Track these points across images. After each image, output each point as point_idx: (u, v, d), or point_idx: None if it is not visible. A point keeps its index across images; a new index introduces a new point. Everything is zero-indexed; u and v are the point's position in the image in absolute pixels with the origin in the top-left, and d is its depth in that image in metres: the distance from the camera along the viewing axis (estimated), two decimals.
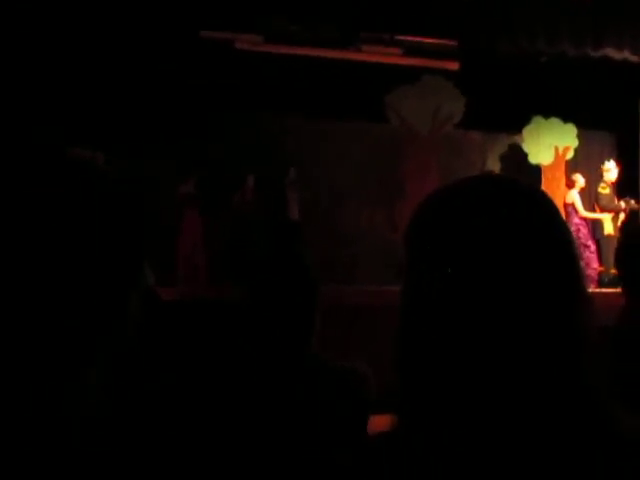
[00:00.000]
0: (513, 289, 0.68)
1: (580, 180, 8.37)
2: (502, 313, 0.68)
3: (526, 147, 9.12)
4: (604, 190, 8.28)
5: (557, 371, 0.69)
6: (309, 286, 1.71)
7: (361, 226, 9.09)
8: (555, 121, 9.05)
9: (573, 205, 8.18)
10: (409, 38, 8.16)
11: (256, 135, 8.45)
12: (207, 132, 8.18)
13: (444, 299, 0.70)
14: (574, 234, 7.91)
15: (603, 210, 8.23)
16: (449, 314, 0.70)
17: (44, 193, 0.73)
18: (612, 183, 8.39)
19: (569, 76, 8.61)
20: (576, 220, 8.09)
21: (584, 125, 9.11)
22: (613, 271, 7.15)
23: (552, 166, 9.07)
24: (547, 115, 9.01)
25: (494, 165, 9.44)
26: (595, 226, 8.42)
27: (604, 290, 7.17)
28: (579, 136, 9.07)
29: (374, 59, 8.43)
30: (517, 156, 9.28)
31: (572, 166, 9.10)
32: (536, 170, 9.09)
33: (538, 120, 9.04)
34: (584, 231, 8.08)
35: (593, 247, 8.04)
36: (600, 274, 8.01)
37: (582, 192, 8.40)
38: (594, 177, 8.66)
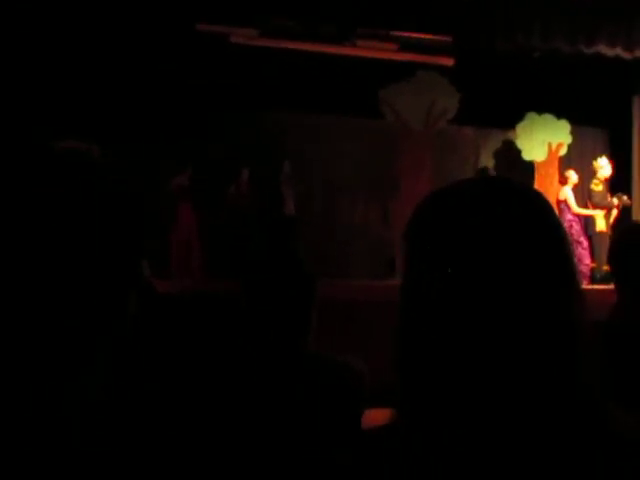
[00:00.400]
0: (508, 286, 0.70)
1: (573, 176, 8.40)
2: (498, 310, 0.70)
3: (519, 143, 9.12)
4: (597, 187, 8.31)
5: (551, 367, 0.70)
6: (305, 281, 1.71)
7: (355, 221, 9.10)
8: (548, 117, 9.05)
9: (566, 202, 8.21)
10: (404, 34, 8.16)
11: (250, 129, 8.43)
12: (201, 125, 8.16)
13: (442, 297, 0.71)
14: (567, 230, 7.94)
15: (596, 207, 8.26)
16: (447, 312, 0.71)
17: (44, 194, 0.73)
18: (605, 180, 8.43)
19: (562, 73, 8.62)
20: (569, 216, 8.12)
21: (577, 121, 9.12)
22: (605, 267, 7.19)
23: (545, 162, 9.08)
24: (540, 111, 9.02)
25: (487, 161, 9.45)
26: (587, 222, 8.46)
27: (596, 287, 7.21)
28: (572, 132, 9.09)
29: (369, 54, 8.42)
30: (510, 152, 9.29)
31: (565, 162, 9.13)
32: (529, 166, 9.11)
33: (531, 116, 9.05)
34: (577, 227, 8.11)
35: (585, 243, 8.08)
36: (592, 270, 8.05)
37: (575, 188, 8.43)
38: (587, 173, 8.69)
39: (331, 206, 8.93)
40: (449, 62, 8.70)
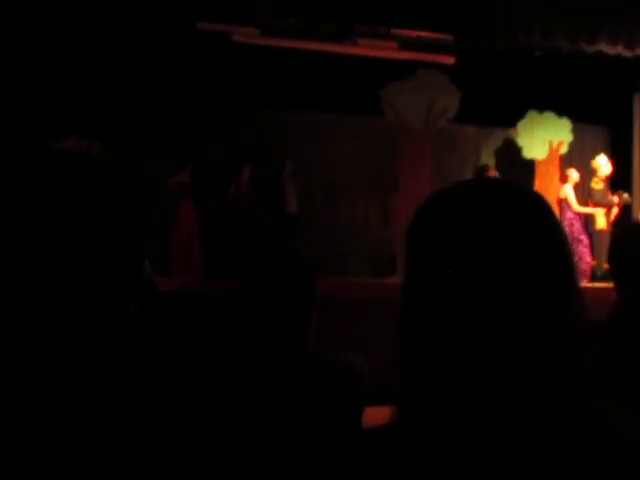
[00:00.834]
0: (508, 286, 0.70)
1: (574, 175, 8.40)
2: (498, 310, 0.70)
3: (520, 141, 9.12)
4: (597, 185, 8.31)
5: (550, 367, 0.71)
6: (305, 280, 1.72)
7: (355, 220, 9.10)
8: (549, 115, 9.05)
9: (567, 200, 8.22)
10: (405, 32, 8.15)
11: (251, 127, 8.43)
12: (202, 124, 8.17)
13: (443, 297, 0.72)
14: (567, 228, 7.95)
15: (596, 205, 8.26)
16: (448, 311, 0.71)
17: (45, 194, 0.73)
18: (605, 178, 8.43)
19: (563, 71, 8.62)
20: (569, 215, 8.12)
21: (578, 119, 9.12)
22: (606, 265, 7.19)
23: (546, 161, 9.08)
24: (541, 109, 9.02)
25: (488, 159, 9.45)
26: (588, 220, 8.46)
27: (597, 284, 7.21)
28: (573, 131, 9.09)
29: (370, 53, 8.41)
30: (511, 150, 9.29)
31: (566, 161, 9.13)
32: (530, 164, 9.12)
33: (532, 114, 9.04)
34: (577, 225, 8.11)
35: (586, 241, 8.08)
36: (593, 268, 8.06)
37: (575, 187, 8.43)
38: (587, 172, 8.69)
39: (331, 205, 8.93)
40: (450, 60, 8.69)
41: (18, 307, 0.72)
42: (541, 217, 0.75)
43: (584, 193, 8.58)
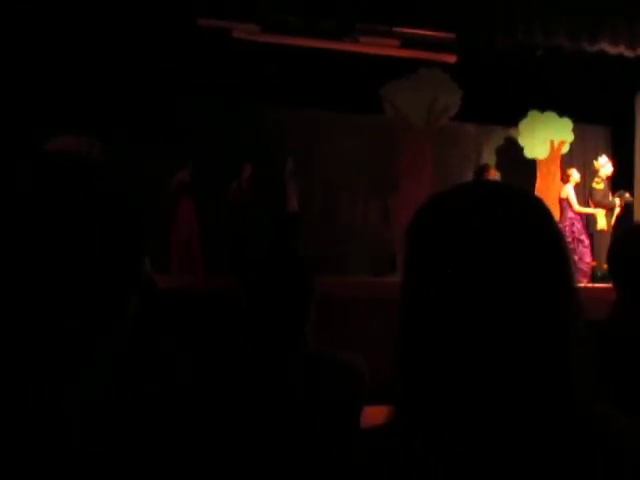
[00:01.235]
0: (507, 287, 0.71)
1: (575, 175, 8.39)
2: (496, 310, 0.71)
3: (521, 141, 9.12)
4: (598, 185, 8.31)
5: (547, 367, 0.71)
6: (304, 278, 1.72)
7: (355, 218, 9.10)
8: (551, 115, 9.05)
9: (568, 199, 8.21)
10: (406, 30, 8.14)
11: (251, 125, 8.43)
12: (203, 121, 8.16)
13: (442, 297, 0.72)
14: (568, 228, 7.95)
15: (597, 205, 8.26)
16: (447, 312, 0.72)
17: (43, 194, 0.73)
18: (606, 178, 8.42)
19: (565, 70, 8.61)
20: (570, 215, 8.12)
21: (579, 119, 9.12)
22: (605, 266, 7.17)
23: (547, 160, 9.08)
24: (543, 109, 9.02)
25: (489, 158, 9.44)
26: (589, 220, 8.46)
27: (597, 285, 7.21)
28: (574, 130, 9.09)
29: (371, 50, 8.41)
30: (512, 150, 9.29)
31: (567, 160, 9.12)
32: (531, 164, 9.11)
33: (534, 114, 9.04)
34: (578, 225, 8.11)
35: (587, 241, 8.08)
36: (593, 269, 8.06)
37: (577, 187, 8.42)
38: (589, 172, 8.69)
39: (331, 203, 8.93)
40: (451, 59, 8.69)
41: (17, 308, 0.72)
42: (539, 219, 0.76)
43: (585, 193, 8.57)
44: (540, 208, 0.77)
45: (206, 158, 7.97)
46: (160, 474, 0.82)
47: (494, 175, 8.39)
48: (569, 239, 7.86)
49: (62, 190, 0.74)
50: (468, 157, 9.46)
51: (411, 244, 0.78)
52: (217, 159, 8.12)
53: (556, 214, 8.21)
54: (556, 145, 9.10)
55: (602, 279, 7.38)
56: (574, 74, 8.66)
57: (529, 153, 9.12)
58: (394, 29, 8.17)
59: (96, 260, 0.74)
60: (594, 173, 8.45)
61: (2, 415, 0.69)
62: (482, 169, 8.14)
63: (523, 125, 9.07)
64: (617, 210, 8.25)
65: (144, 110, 7.82)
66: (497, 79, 8.52)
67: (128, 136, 7.54)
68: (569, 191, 8.24)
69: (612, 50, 7.98)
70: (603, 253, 7.50)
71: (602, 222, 8.17)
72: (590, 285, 7.49)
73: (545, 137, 9.05)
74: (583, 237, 8.06)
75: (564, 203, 8.24)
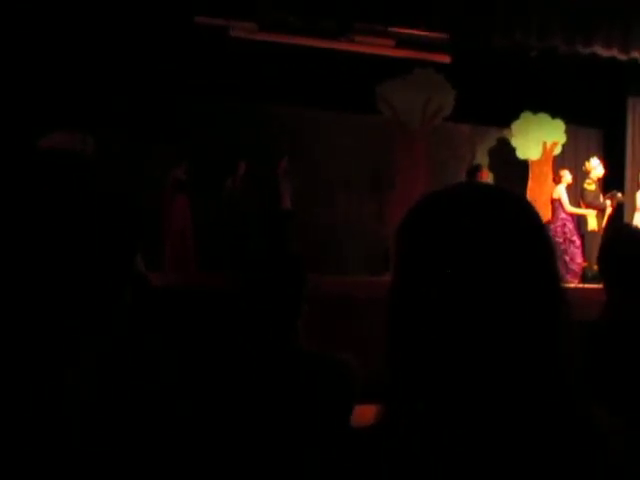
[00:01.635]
0: (497, 288, 0.72)
1: (567, 176, 8.42)
2: (486, 310, 0.72)
3: (514, 142, 9.15)
4: (589, 186, 8.34)
5: (535, 367, 0.73)
6: (296, 276, 1.73)
7: (350, 217, 9.10)
8: (543, 116, 9.08)
9: (560, 200, 8.24)
10: (402, 30, 8.16)
11: (247, 123, 8.42)
12: (199, 118, 8.14)
13: (433, 297, 0.73)
14: (560, 229, 7.99)
15: (588, 206, 8.29)
16: (437, 311, 0.73)
17: (37, 193, 0.74)
18: (598, 179, 8.46)
19: (559, 72, 8.65)
20: (562, 215, 8.15)
21: (572, 121, 9.16)
22: (596, 267, 7.20)
23: (540, 161, 9.11)
24: (536, 110, 9.05)
25: (483, 159, 9.46)
26: (580, 221, 8.49)
27: (587, 285, 7.25)
28: (567, 132, 9.12)
29: (367, 50, 8.41)
30: (505, 150, 9.32)
31: (559, 162, 9.16)
32: (524, 165, 9.14)
33: (527, 115, 9.07)
34: (570, 226, 8.14)
35: (578, 242, 8.11)
36: (584, 269, 8.09)
37: (569, 188, 8.46)
38: (581, 173, 8.73)
39: (327, 201, 8.93)
40: (446, 59, 8.70)
41: (11, 305, 0.72)
42: (528, 222, 0.77)
43: (577, 194, 8.61)
44: (529, 211, 0.78)
45: (202, 156, 7.95)
46: (152, 469, 0.82)
47: (486, 176, 8.43)
48: (560, 240, 7.89)
49: (53, 187, 0.75)
50: (462, 157, 9.48)
51: (402, 244, 0.78)
52: (213, 157, 8.10)
53: (548, 215, 8.25)
54: (549, 146, 9.13)
55: (593, 280, 7.41)
56: (567, 76, 8.70)
57: (522, 154, 9.15)
58: (389, 29, 8.18)
59: (86, 258, 0.75)
60: (586, 174, 8.48)
61: None
62: (474, 169, 8.16)
63: (516, 126, 9.10)
64: (609, 211, 8.28)
65: (141, 108, 7.79)
66: (491, 80, 8.54)
67: (123, 133, 7.51)
68: (561, 192, 8.28)
69: (605, 53, 8.02)
70: (594, 254, 7.53)
71: (593, 223, 8.20)
72: (581, 285, 7.53)
73: (538, 138, 9.08)
74: (574, 238, 8.09)
75: (556, 204, 8.27)
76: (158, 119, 7.84)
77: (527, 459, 0.70)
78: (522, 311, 0.72)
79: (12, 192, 0.74)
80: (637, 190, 8.32)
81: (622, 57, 8.10)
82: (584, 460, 0.71)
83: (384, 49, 8.47)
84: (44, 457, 0.71)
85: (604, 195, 8.46)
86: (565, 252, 7.86)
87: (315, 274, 1.79)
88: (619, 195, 8.43)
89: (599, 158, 8.69)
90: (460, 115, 8.70)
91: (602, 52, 7.98)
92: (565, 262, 7.80)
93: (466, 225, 0.74)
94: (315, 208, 8.65)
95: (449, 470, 0.71)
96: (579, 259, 8.04)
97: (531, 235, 0.76)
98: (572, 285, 7.50)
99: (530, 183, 8.99)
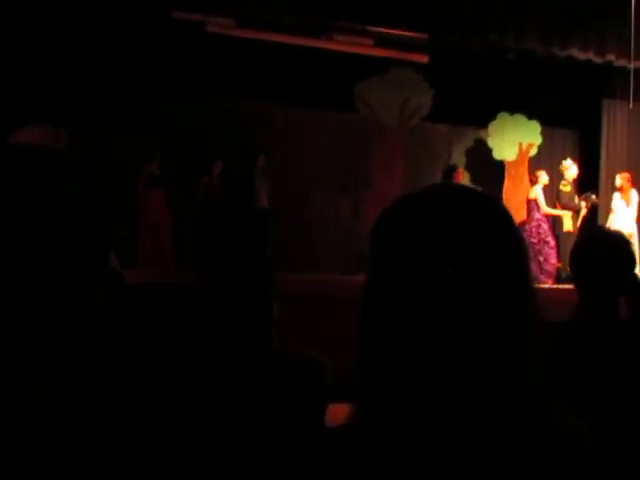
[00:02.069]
0: (468, 288, 0.72)
1: (544, 177, 8.50)
2: (457, 310, 0.72)
3: (491, 142, 9.22)
4: (565, 188, 8.43)
5: (503, 366, 0.73)
6: (263, 275, 1.72)
7: (326, 215, 9.11)
8: (520, 117, 9.17)
9: (536, 201, 8.31)
10: (380, 29, 8.17)
11: (223, 120, 8.37)
12: (173, 114, 8.08)
13: (405, 297, 0.73)
14: (535, 230, 8.06)
15: (563, 207, 8.39)
16: (409, 311, 0.73)
17: (5, 188, 0.72)
18: (573, 181, 8.56)
19: (535, 74, 8.74)
20: (537, 216, 8.22)
21: (548, 123, 9.26)
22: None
23: (516, 162, 9.20)
24: (513, 111, 9.13)
25: (459, 159, 9.53)
26: (555, 222, 8.58)
27: (562, 286, 7.33)
28: (542, 133, 9.22)
29: (345, 48, 8.42)
30: (482, 150, 9.39)
31: (535, 163, 9.25)
32: (500, 165, 9.22)
33: (503, 116, 9.15)
34: (544, 227, 8.21)
35: (552, 243, 8.19)
36: (558, 270, 8.18)
37: (545, 188, 8.55)
38: (556, 174, 8.82)
39: (303, 200, 8.92)
40: (424, 59, 8.75)
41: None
42: (502, 224, 0.78)
43: (552, 195, 8.71)
44: (502, 213, 0.79)
45: (177, 153, 7.90)
46: (127, 469, 0.81)
47: (462, 176, 8.47)
48: (535, 240, 7.97)
49: (23, 184, 0.73)
50: (439, 156, 9.54)
51: (376, 245, 0.79)
52: (188, 154, 8.06)
53: (523, 215, 8.32)
54: (524, 147, 9.23)
55: (567, 280, 7.50)
56: (544, 78, 8.79)
57: (498, 155, 9.23)
58: (368, 28, 8.20)
59: (57, 256, 0.73)
60: (561, 175, 8.58)
61: None
62: (450, 170, 8.20)
63: (492, 127, 9.18)
64: (583, 212, 8.38)
65: (115, 102, 7.71)
66: (468, 81, 8.60)
67: (97, 128, 7.44)
68: (538, 192, 8.35)
69: (581, 56, 8.12)
70: (568, 255, 7.61)
71: (568, 224, 8.29)
72: (555, 286, 7.61)
73: (514, 139, 9.17)
74: (549, 239, 8.17)
75: (532, 204, 8.35)
76: (133, 114, 7.78)
77: (491, 458, 0.71)
78: (492, 312, 0.73)
79: None
80: (612, 191, 8.44)
81: (598, 60, 8.21)
82: (543, 459, 0.72)
83: (363, 48, 8.49)
84: (15, 459, 0.69)
85: (579, 196, 8.56)
86: (539, 253, 7.94)
87: (288, 273, 1.78)
88: (593, 197, 8.54)
89: (574, 160, 8.80)
90: (437, 115, 8.76)
91: (578, 55, 8.08)
92: (539, 262, 7.88)
93: (439, 227, 0.74)
94: (291, 207, 8.64)
95: (420, 470, 0.71)
96: (553, 260, 8.12)
97: (503, 237, 0.77)
98: (546, 286, 7.57)
99: (506, 183, 9.07)
